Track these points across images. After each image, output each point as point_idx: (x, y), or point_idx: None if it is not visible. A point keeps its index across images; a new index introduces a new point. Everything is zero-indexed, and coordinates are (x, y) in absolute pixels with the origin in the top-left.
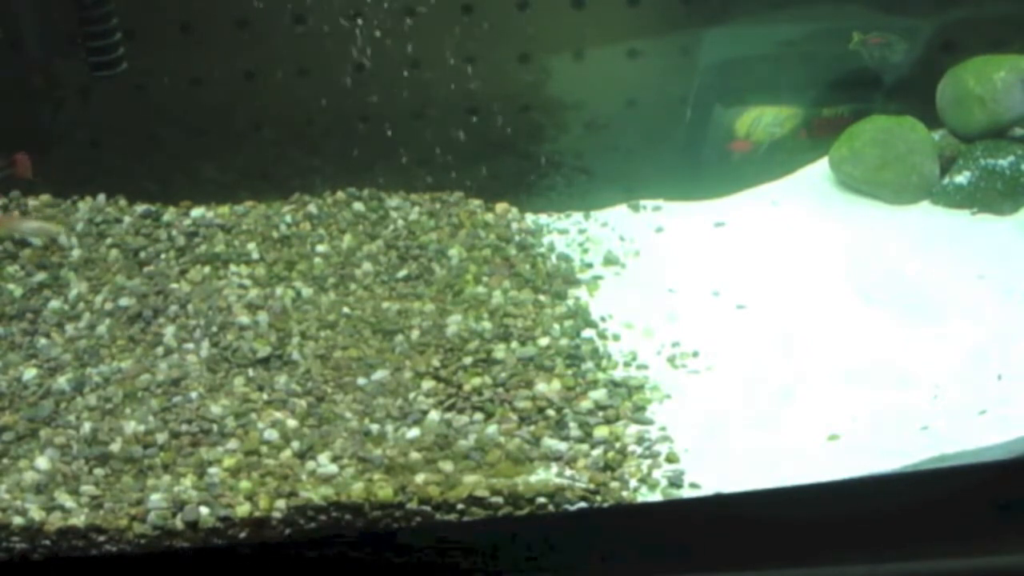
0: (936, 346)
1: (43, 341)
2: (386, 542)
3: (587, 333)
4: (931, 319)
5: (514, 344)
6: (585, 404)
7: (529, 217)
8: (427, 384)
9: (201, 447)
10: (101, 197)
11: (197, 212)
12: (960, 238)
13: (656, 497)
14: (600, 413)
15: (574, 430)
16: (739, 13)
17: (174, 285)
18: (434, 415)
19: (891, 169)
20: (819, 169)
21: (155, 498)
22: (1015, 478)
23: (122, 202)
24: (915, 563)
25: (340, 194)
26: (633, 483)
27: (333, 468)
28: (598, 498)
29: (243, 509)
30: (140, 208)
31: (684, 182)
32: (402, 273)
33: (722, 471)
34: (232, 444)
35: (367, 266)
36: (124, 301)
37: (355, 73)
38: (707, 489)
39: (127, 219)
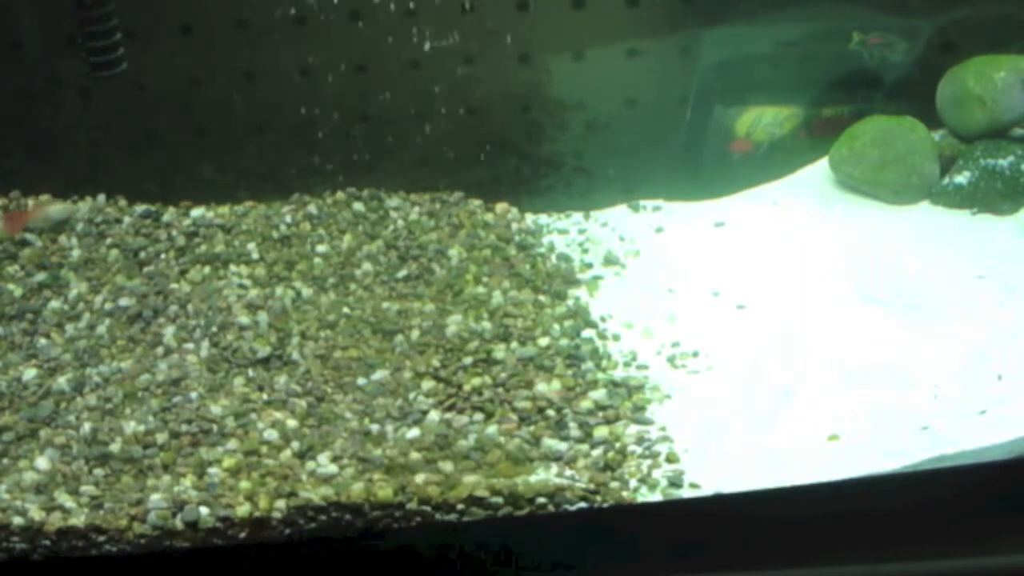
0: (936, 346)
1: (43, 341)
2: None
3: (587, 333)
4: (931, 319)
5: (514, 344)
6: (585, 404)
7: (529, 217)
8: (427, 384)
9: (201, 447)
10: (101, 197)
11: (197, 212)
12: (960, 238)
13: (656, 497)
14: (600, 413)
15: (574, 430)
16: (739, 13)
17: (174, 285)
18: (434, 415)
19: (891, 169)
20: (819, 169)
21: (155, 498)
22: (1015, 478)
23: (122, 202)
24: (915, 563)
25: (340, 194)
26: (633, 483)
27: (333, 468)
28: (598, 498)
29: (243, 509)
30: (140, 208)
31: (684, 182)
32: (402, 273)
33: (722, 471)
34: (232, 444)
35: (367, 266)
36: (124, 301)
37: (355, 73)
38: (707, 489)
39: (127, 219)
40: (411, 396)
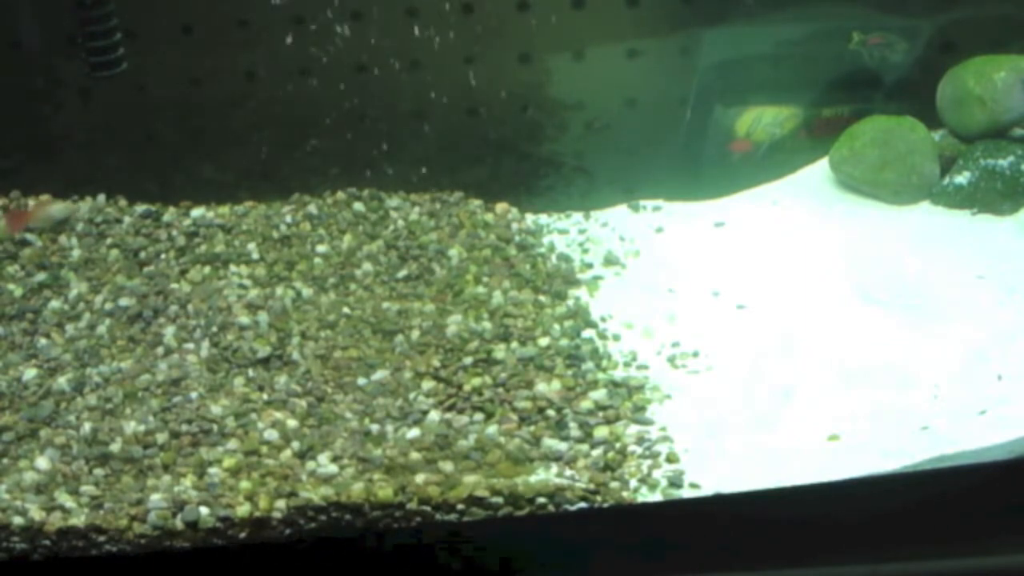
0: (936, 346)
1: (43, 341)
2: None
3: (587, 333)
4: (931, 319)
5: (514, 344)
6: (585, 404)
7: (529, 217)
8: (427, 384)
9: (201, 447)
10: (101, 197)
11: (197, 212)
12: (960, 238)
13: (656, 497)
14: (600, 413)
15: (574, 430)
16: (739, 13)
17: (174, 285)
18: (434, 415)
19: (891, 169)
20: (819, 169)
21: (155, 498)
22: (1015, 478)
23: (122, 202)
24: (915, 563)
25: (340, 194)
26: (633, 483)
27: (333, 468)
28: (598, 498)
29: (243, 509)
30: (140, 208)
31: (684, 182)
32: (402, 273)
33: (722, 471)
34: (232, 444)
35: (367, 266)
36: (124, 301)
37: (355, 73)
38: (707, 489)
39: (127, 219)
40: (411, 396)
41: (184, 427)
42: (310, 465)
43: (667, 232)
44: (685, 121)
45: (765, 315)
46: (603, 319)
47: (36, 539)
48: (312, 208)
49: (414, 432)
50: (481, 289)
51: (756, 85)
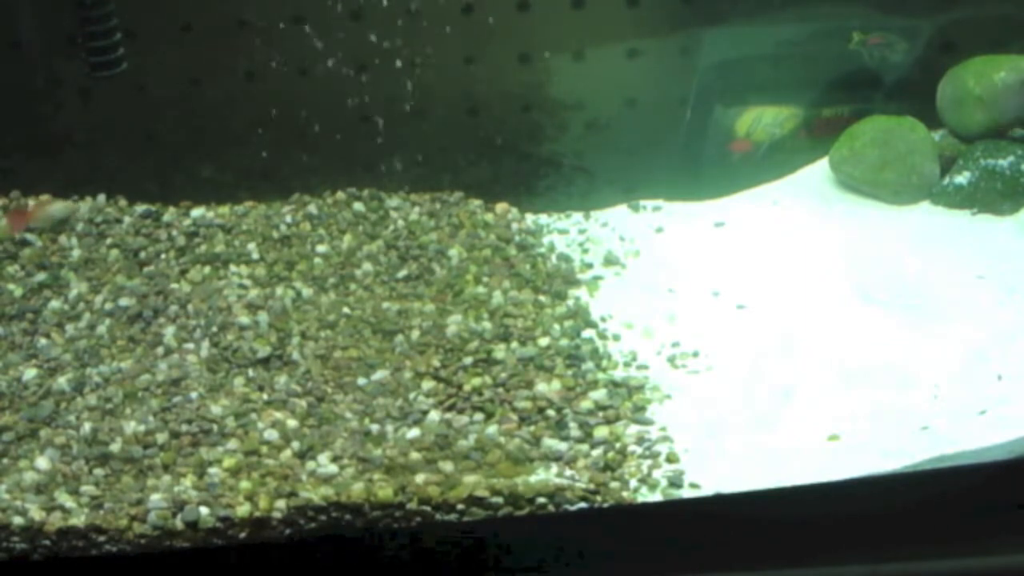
0: (936, 346)
1: (43, 341)
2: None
3: (587, 333)
4: (931, 319)
5: (514, 344)
6: (585, 404)
7: (529, 217)
8: (427, 384)
9: (201, 447)
10: (101, 197)
11: (197, 212)
12: (960, 238)
13: (656, 497)
14: (600, 413)
15: (574, 430)
16: (739, 13)
17: (174, 285)
18: (434, 415)
19: (891, 169)
20: (819, 169)
21: (155, 498)
22: (1015, 478)
23: (122, 202)
24: (915, 563)
25: (340, 194)
26: (633, 483)
27: (333, 468)
28: (598, 498)
29: (243, 509)
30: (140, 208)
31: (684, 182)
32: (402, 273)
33: (722, 471)
34: (232, 444)
35: (367, 266)
36: (124, 301)
37: (356, 73)
38: (707, 489)
39: (127, 219)
40: (411, 396)
41: (184, 427)
42: (310, 465)
43: (667, 232)
44: (685, 121)
45: (765, 315)
46: (603, 319)
47: (36, 539)
48: (312, 208)
49: (414, 432)
50: (481, 289)
51: (756, 85)
